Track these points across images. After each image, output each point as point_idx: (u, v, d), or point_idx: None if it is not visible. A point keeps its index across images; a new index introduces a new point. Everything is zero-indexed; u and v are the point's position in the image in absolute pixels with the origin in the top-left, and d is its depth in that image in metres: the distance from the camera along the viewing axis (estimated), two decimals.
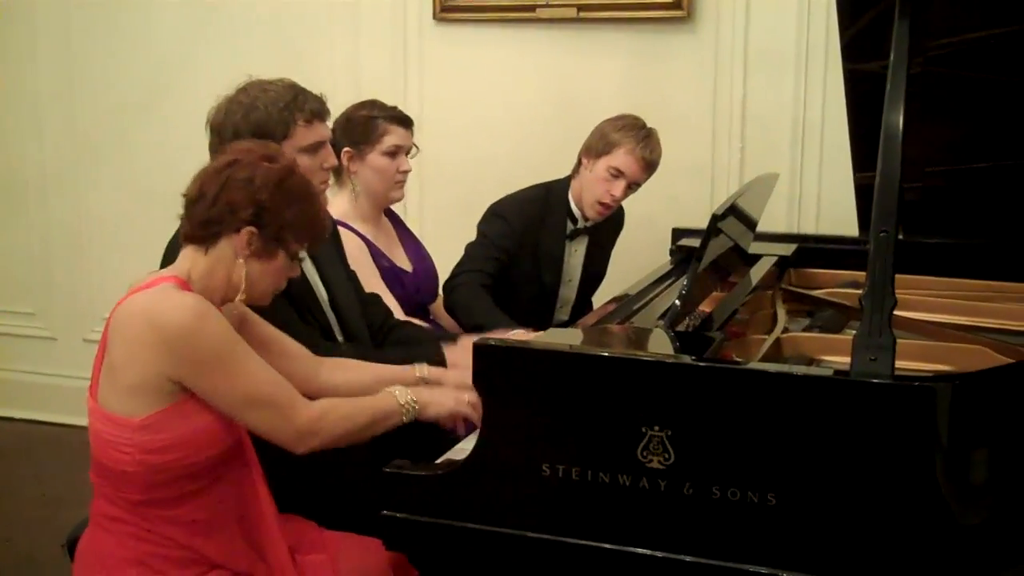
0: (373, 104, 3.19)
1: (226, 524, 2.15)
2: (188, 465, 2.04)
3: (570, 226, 3.53)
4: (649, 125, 3.46)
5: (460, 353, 2.61)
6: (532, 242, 3.47)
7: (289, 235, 2.12)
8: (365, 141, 3.14)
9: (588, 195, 3.45)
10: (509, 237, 3.40)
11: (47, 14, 4.74)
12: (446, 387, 2.40)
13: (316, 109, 2.61)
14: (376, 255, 3.16)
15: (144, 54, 4.63)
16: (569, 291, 3.63)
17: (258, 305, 2.23)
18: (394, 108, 3.20)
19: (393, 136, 3.14)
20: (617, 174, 3.39)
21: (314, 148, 2.61)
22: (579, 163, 3.50)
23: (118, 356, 2.02)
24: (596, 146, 3.43)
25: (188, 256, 2.13)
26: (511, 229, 3.37)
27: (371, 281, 3.04)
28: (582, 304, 3.68)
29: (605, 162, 3.39)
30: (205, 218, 2.09)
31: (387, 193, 3.19)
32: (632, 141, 3.38)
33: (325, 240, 2.30)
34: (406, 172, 3.18)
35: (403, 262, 3.27)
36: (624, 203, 3.89)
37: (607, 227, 3.64)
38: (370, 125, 3.14)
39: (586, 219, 3.52)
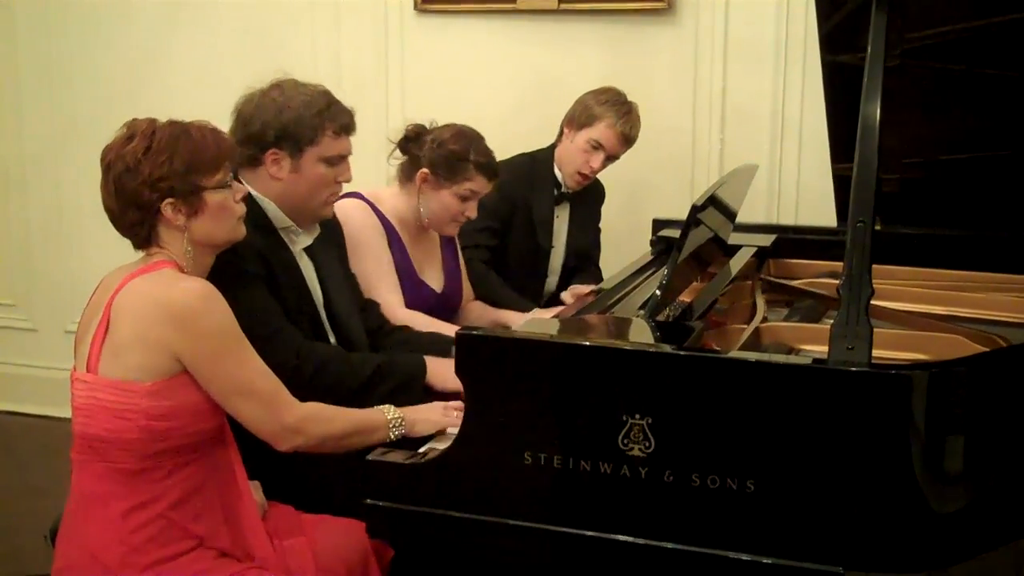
0: (471, 142, 3.08)
1: (211, 501, 2.18)
2: (186, 434, 2.10)
3: (555, 192, 3.62)
4: (627, 98, 3.56)
5: (442, 367, 2.63)
6: (525, 205, 3.55)
7: (195, 178, 2.15)
8: (447, 177, 3.05)
9: (568, 165, 3.57)
10: (501, 201, 3.44)
11: (26, 6, 4.71)
12: (433, 403, 2.44)
13: (346, 123, 2.63)
14: (396, 251, 3.10)
15: (124, 44, 4.61)
16: (555, 258, 3.70)
17: (237, 240, 2.26)
18: (489, 154, 3.10)
19: (474, 184, 3.06)
20: (597, 146, 3.51)
21: (335, 160, 2.61)
22: (561, 132, 3.60)
23: (126, 334, 2.07)
24: (578, 118, 3.53)
25: (155, 254, 2.19)
26: (502, 193, 3.37)
27: (378, 273, 3.02)
28: (568, 278, 3.72)
29: (586, 134, 3.51)
30: (129, 225, 2.17)
31: (442, 227, 3.15)
32: (613, 115, 3.49)
33: (229, 153, 2.24)
34: (469, 218, 3.13)
35: (434, 281, 3.21)
36: (606, 193, 3.92)
37: (587, 198, 3.73)
38: (459, 166, 3.04)
39: (567, 187, 3.62)
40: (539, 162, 3.62)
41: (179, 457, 2.11)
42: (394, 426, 2.30)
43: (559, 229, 3.69)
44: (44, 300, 4.95)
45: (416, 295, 3.11)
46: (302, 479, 2.50)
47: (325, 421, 2.21)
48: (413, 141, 3.12)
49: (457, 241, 3.34)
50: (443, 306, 3.21)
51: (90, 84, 4.67)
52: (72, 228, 4.82)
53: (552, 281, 3.73)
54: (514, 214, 3.54)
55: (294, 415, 2.15)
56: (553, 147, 3.64)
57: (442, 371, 2.60)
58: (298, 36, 4.35)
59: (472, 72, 4.17)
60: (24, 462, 4.47)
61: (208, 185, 2.16)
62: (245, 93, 2.63)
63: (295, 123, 2.55)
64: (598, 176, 3.67)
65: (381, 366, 2.59)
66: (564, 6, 4.01)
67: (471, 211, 3.11)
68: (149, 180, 2.11)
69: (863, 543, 1.86)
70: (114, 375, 2.08)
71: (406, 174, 3.13)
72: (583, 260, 3.76)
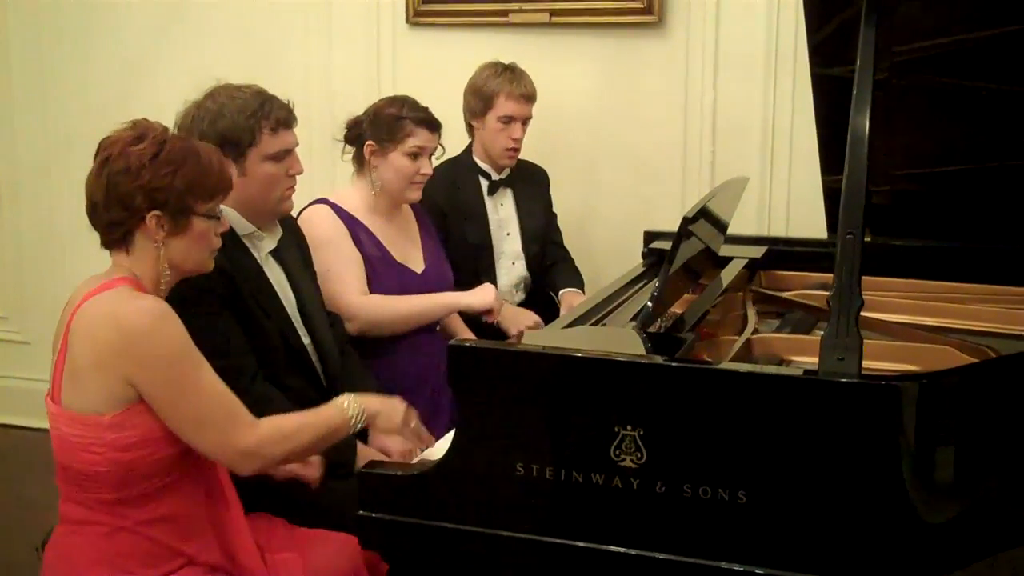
0: (404, 102, 3.19)
1: (198, 519, 2.16)
2: (158, 460, 2.06)
3: (485, 183, 3.69)
4: (510, 63, 3.67)
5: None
6: (452, 204, 3.61)
7: (190, 200, 2.12)
8: (389, 139, 3.14)
9: (494, 148, 3.65)
10: (431, 211, 3.50)
11: (18, 19, 4.72)
12: (394, 398, 2.39)
13: (282, 117, 2.65)
14: (369, 244, 3.16)
15: (116, 56, 4.61)
16: (512, 244, 3.75)
17: (202, 273, 2.24)
18: (425, 109, 3.20)
19: (417, 138, 3.14)
20: (508, 120, 3.60)
21: (280, 156, 2.64)
22: (470, 128, 3.70)
23: (81, 359, 2.03)
24: (476, 105, 3.64)
25: (118, 262, 2.15)
26: (428, 203, 3.43)
27: (339, 267, 3.06)
28: (535, 262, 3.79)
29: (492, 115, 3.61)
30: (107, 222, 2.12)
31: (403, 192, 3.20)
32: (505, 85, 3.60)
33: (228, 186, 2.25)
34: (425, 175, 3.19)
35: (414, 262, 3.26)
36: (597, 205, 3.95)
37: (528, 181, 3.81)
38: (396, 124, 3.14)
39: (500, 171, 3.70)
40: (459, 163, 3.68)
41: (156, 480, 2.08)
42: (355, 422, 2.24)
43: (507, 217, 3.75)
44: (36, 312, 4.93)
45: (398, 280, 3.18)
46: (295, 492, 2.51)
47: (284, 439, 2.13)
48: (353, 128, 3.21)
49: (430, 220, 3.42)
50: (427, 287, 3.26)
51: (82, 97, 4.67)
52: (65, 240, 4.81)
53: (520, 266, 3.77)
54: (447, 217, 3.59)
55: (251, 439, 2.08)
56: (468, 148, 3.73)
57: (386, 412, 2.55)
58: (290, 48, 4.36)
59: (464, 84, 4.17)
60: (16, 475, 4.46)
61: (199, 211, 2.14)
62: (182, 108, 2.66)
63: (231, 129, 2.58)
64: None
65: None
66: (556, 20, 4.02)
67: (425, 167, 3.18)
68: (146, 187, 2.08)
69: (854, 553, 1.87)
70: (75, 405, 2.04)
71: (358, 161, 3.22)
72: (544, 243, 3.82)
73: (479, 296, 3.28)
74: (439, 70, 4.18)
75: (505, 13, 4.06)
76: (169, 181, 2.09)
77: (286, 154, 2.66)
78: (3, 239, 4.95)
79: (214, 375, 2.08)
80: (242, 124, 2.58)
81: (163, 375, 2.01)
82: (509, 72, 3.64)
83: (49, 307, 4.80)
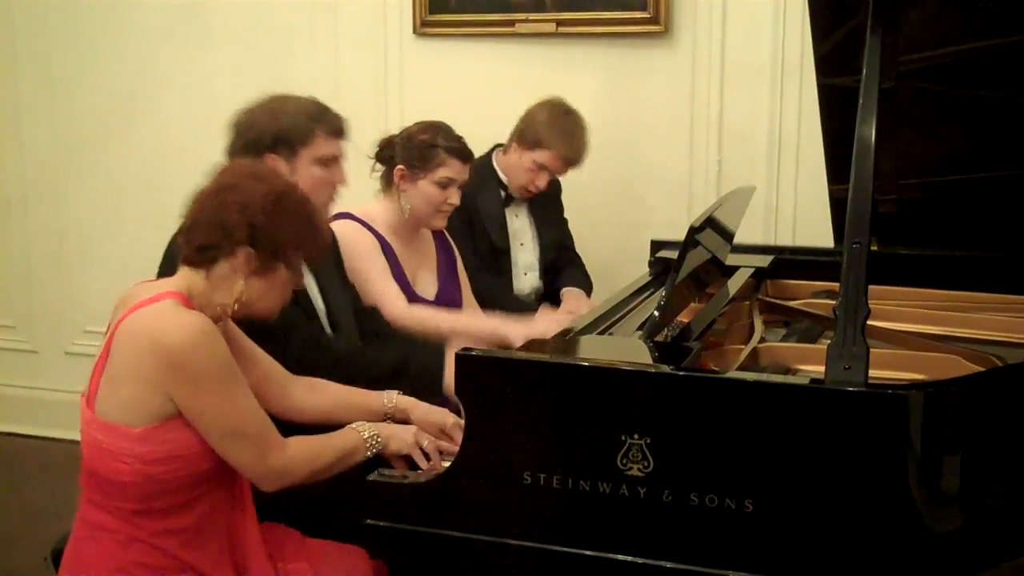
0: (439, 130, 3.17)
1: (214, 534, 2.16)
2: (185, 476, 2.06)
3: (503, 193, 3.72)
4: (575, 116, 3.68)
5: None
6: (472, 206, 3.59)
7: (288, 251, 2.14)
8: (421, 166, 3.11)
9: (514, 179, 3.69)
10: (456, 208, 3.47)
11: (26, 27, 4.74)
12: (408, 426, 2.41)
13: (339, 127, 2.73)
14: (390, 263, 3.13)
15: (124, 66, 4.63)
16: (527, 255, 3.76)
17: (266, 319, 2.24)
18: (459, 139, 3.17)
19: (449, 169, 3.11)
20: (542, 167, 3.63)
21: (329, 161, 2.70)
22: (510, 142, 3.71)
23: (121, 369, 2.04)
24: (528, 137, 3.65)
25: (187, 275, 2.14)
26: None
27: (379, 278, 3.06)
28: (550, 273, 3.80)
29: (531, 156, 3.63)
30: (202, 243, 2.11)
31: (429, 220, 3.18)
32: (560, 146, 3.62)
33: (325, 253, 2.33)
34: (452, 205, 3.17)
35: (426, 288, 3.23)
36: (604, 214, 3.96)
37: (542, 194, 3.79)
38: (430, 152, 3.11)
39: (515, 193, 3.73)
40: (481, 164, 3.65)
41: (182, 495, 2.08)
42: (370, 445, 2.27)
43: (522, 228, 3.77)
44: (44, 322, 4.95)
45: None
46: (308, 502, 2.52)
47: (311, 458, 2.16)
48: (386, 148, 3.19)
49: (452, 244, 3.39)
50: None
51: (90, 105, 4.69)
52: (72, 250, 4.83)
53: (533, 277, 3.78)
54: (468, 217, 3.59)
55: (282, 457, 2.11)
56: (491, 152, 3.75)
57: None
58: (297, 58, 4.37)
59: (471, 95, 4.19)
60: (24, 483, 4.47)
61: (290, 263, 2.16)
62: (239, 108, 2.72)
63: (289, 126, 2.65)
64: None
65: (405, 351, 2.73)
66: (562, 29, 4.04)
67: (453, 198, 3.16)
68: (255, 225, 2.08)
69: (860, 561, 1.87)
70: (108, 413, 2.05)
71: (386, 180, 3.20)
72: (560, 251, 3.85)
73: (519, 331, 2.99)
74: (446, 80, 4.19)
75: (512, 23, 4.08)
76: (278, 228, 2.10)
77: (334, 160, 2.72)
78: (11, 248, 4.97)
79: (250, 392, 2.10)
80: (301, 124, 2.66)
81: (204, 390, 2.02)
82: (570, 134, 3.64)
83: (56, 317, 4.88)
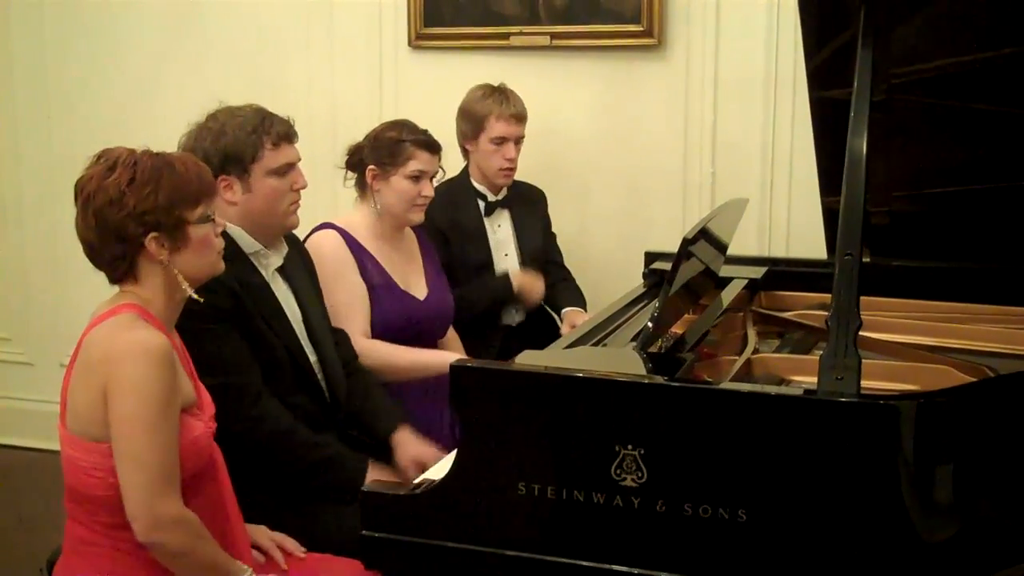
0: (403, 126, 3.21)
1: None
2: None
3: (482, 204, 3.72)
4: (494, 84, 3.72)
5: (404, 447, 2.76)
6: (452, 224, 3.64)
7: (179, 211, 2.11)
8: (391, 163, 3.16)
9: (489, 169, 3.69)
10: (431, 231, 3.52)
11: (22, 39, 4.75)
12: None
13: (283, 132, 2.68)
14: (374, 272, 3.17)
15: (120, 78, 4.64)
16: (510, 264, 3.76)
17: (216, 275, 2.23)
18: (424, 132, 3.22)
19: (418, 161, 3.16)
20: (501, 141, 3.64)
21: (283, 170, 2.68)
22: (464, 152, 3.74)
23: (78, 382, 2.05)
24: (468, 128, 3.68)
25: (128, 290, 2.14)
26: (429, 224, 3.45)
27: (344, 303, 3.07)
28: (547, 288, 3.78)
29: (484, 137, 3.64)
30: (109, 259, 2.12)
31: (405, 215, 3.21)
32: (495, 106, 3.64)
33: (211, 188, 2.22)
34: (427, 197, 3.20)
35: (416, 288, 3.27)
36: (598, 226, 3.96)
37: (525, 201, 3.83)
38: (397, 148, 3.16)
39: (497, 192, 3.74)
40: (456, 184, 3.71)
41: None
42: None
43: (504, 238, 3.77)
44: (39, 334, 4.95)
45: (400, 307, 3.18)
46: (308, 517, 2.53)
47: (194, 536, 2.07)
48: (355, 154, 3.24)
49: (431, 245, 3.43)
50: (429, 314, 3.28)
51: (87, 117, 4.70)
52: (68, 262, 4.81)
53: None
54: (448, 237, 3.62)
55: (174, 511, 2.03)
56: (464, 170, 3.76)
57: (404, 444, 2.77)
58: (293, 71, 4.39)
59: None
60: (19, 495, 4.46)
61: (192, 219, 2.12)
62: (183, 132, 2.70)
63: (233, 145, 2.62)
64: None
65: (328, 460, 2.64)
66: (556, 43, 4.05)
67: (427, 190, 3.20)
68: (135, 213, 2.06)
69: (854, 571, 1.87)
70: (75, 428, 2.05)
71: (361, 186, 3.23)
72: (544, 263, 3.83)
73: None
74: (441, 93, 4.19)
75: (506, 36, 4.10)
76: (153, 200, 2.07)
77: (289, 168, 2.69)
78: (7, 260, 4.97)
79: (175, 433, 2.04)
80: (244, 140, 2.62)
81: (126, 400, 1.98)
82: (498, 93, 3.67)
83: (52, 329, 4.88)
